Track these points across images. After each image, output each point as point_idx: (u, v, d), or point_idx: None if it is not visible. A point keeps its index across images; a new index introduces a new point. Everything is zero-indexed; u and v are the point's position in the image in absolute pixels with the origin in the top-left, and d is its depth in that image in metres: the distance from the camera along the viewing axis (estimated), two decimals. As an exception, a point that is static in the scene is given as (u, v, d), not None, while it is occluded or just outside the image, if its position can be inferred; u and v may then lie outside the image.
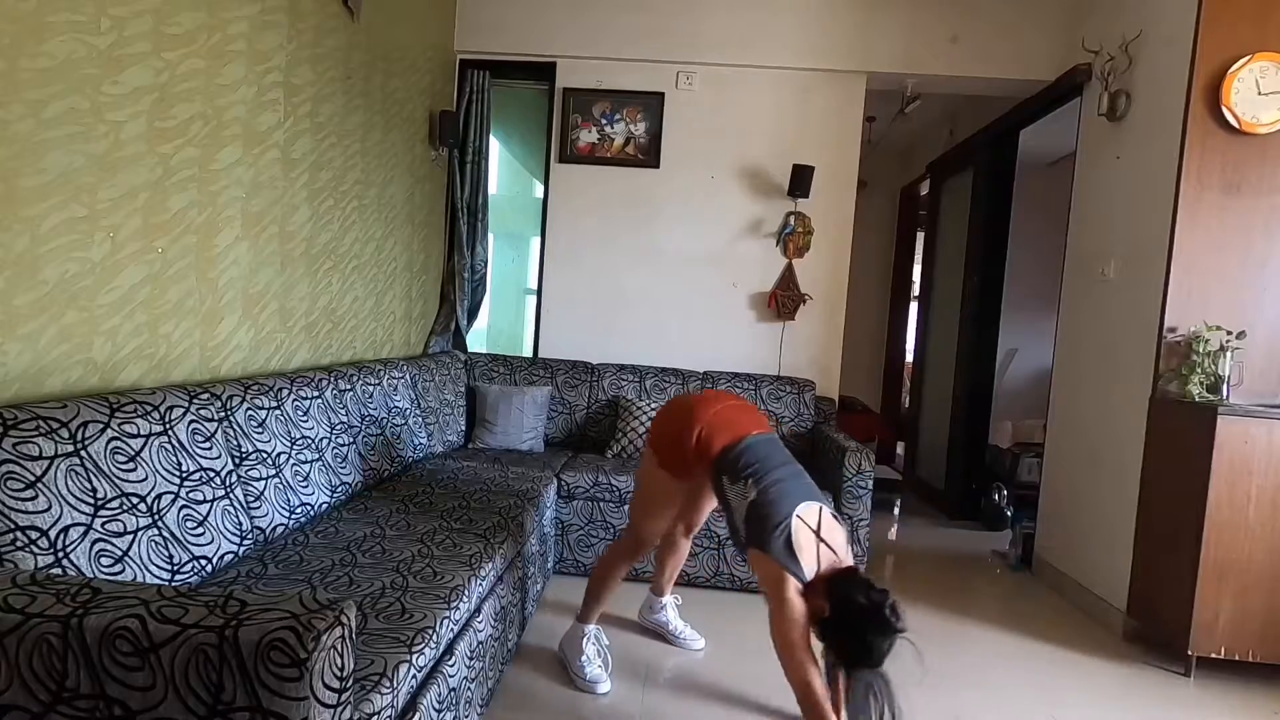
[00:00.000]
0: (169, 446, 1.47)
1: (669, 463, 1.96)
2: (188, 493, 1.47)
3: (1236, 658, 2.30)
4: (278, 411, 1.89)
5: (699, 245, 3.61)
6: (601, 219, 3.64)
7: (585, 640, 2.08)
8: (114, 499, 1.29)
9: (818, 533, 1.70)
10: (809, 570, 1.67)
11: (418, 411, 2.80)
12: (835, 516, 1.78)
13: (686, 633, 2.34)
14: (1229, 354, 2.40)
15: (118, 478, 1.32)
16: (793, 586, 1.66)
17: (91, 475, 1.27)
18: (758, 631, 2.48)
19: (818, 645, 1.71)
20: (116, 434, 1.35)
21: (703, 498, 2.19)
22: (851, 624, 1.59)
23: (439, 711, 1.35)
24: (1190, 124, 2.49)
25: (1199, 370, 2.43)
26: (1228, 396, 2.40)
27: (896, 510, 4.52)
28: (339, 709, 0.89)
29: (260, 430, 1.80)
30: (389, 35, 2.86)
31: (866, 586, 1.62)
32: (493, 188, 4.35)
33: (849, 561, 1.75)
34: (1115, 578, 2.70)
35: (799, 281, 3.56)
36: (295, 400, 1.99)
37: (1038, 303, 4.24)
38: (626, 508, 2.77)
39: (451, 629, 1.46)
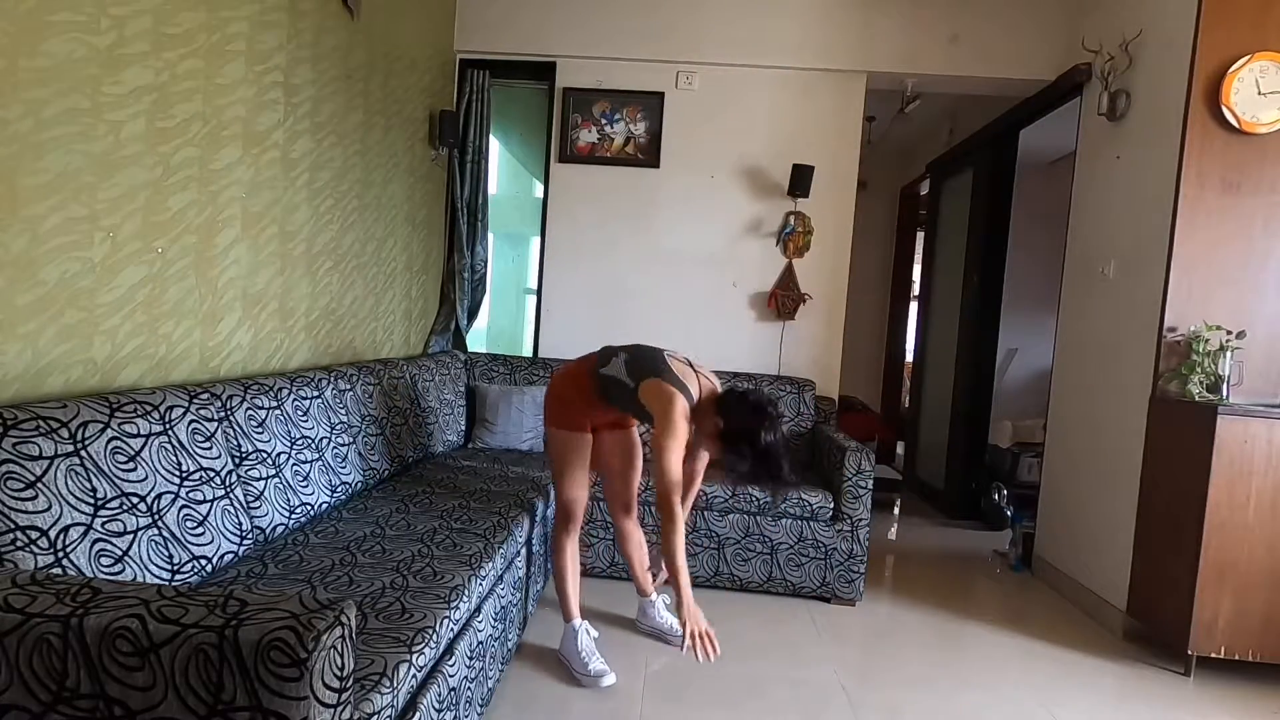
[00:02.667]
0: (169, 446, 1.47)
1: (562, 420, 2.14)
2: (188, 493, 1.47)
3: (1236, 657, 2.30)
4: (278, 411, 1.89)
5: (699, 245, 3.61)
6: (601, 219, 3.64)
7: (576, 638, 2.11)
8: (114, 499, 1.29)
9: (690, 365, 2.01)
10: (695, 393, 1.93)
11: (418, 411, 2.80)
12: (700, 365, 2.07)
13: (681, 630, 2.34)
14: (1229, 354, 2.40)
15: (118, 478, 1.32)
16: (680, 407, 1.87)
17: (91, 475, 1.27)
18: (757, 631, 2.49)
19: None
20: (116, 434, 1.35)
21: (617, 468, 2.29)
22: (744, 427, 1.85)
23: (439, 711, 1.35)
24: (1190, 124, 2.49)
25: (1199, 370, 2.43)
26: (1228, 396, 2.40)
27: (896, 510, 4.52)
28: (339, 709, 0.89)
29: (260, 430, 1.80)
30: (389, 35, 2.85)
31: (746, 394, 1.92)
32: (493, 187, 4.34)
33: (714, 384, 2.02)
34: (1115, 578, 2.70)
35: (799, 281, 3.56)
36: (295, 400, 1.99)
37: (1038, 303, 4.24)
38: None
39: (451, 629, 1.46)
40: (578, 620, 2.16)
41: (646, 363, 1.96)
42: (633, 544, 2.38)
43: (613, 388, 2.03)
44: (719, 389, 2.01)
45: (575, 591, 2.20)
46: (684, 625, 1.84)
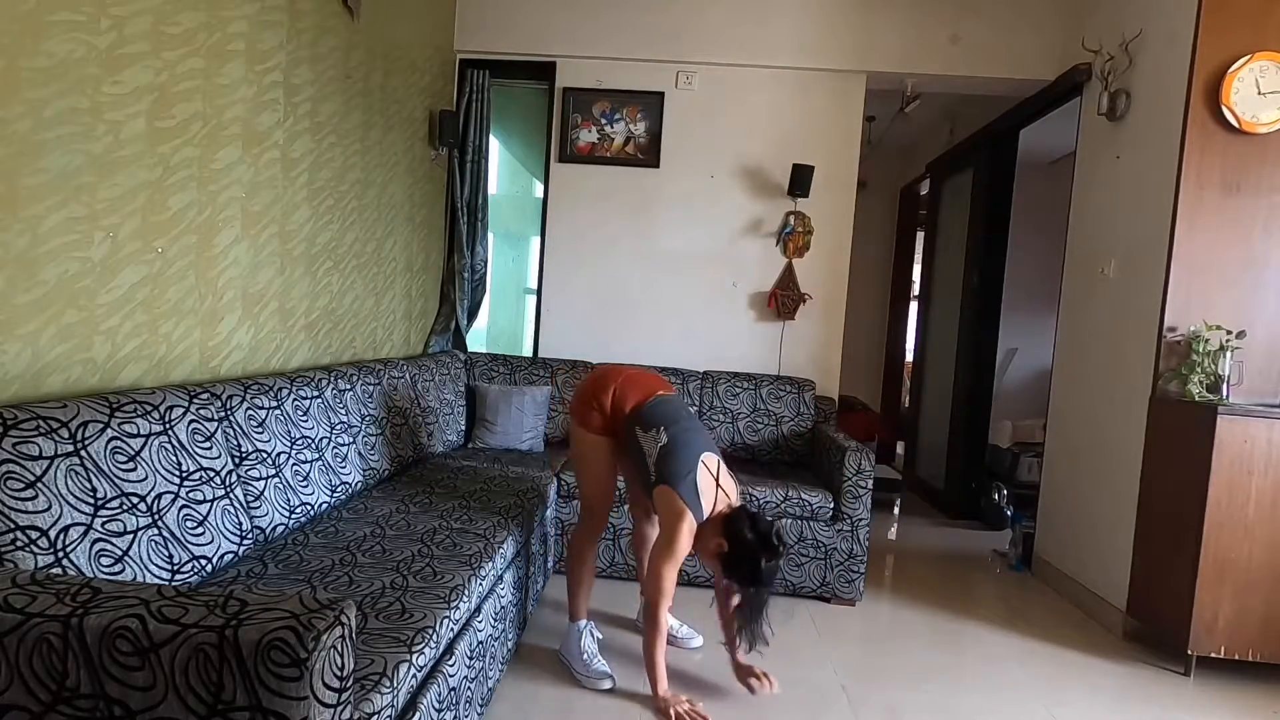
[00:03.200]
0: (169, 446, 1.47)
1: (587, 421, 2.11)
2: (188, 492, 1.47)
3: (1236, 657, 2.30)
4: (278, 411, 1.89)
5: (699, 245, 3.61)
6: (601, 219, 3.64)
7: (581, 638, 2.10)
8: (114, 499, 1.29)
9: (717, 479, 1.93)
10: (706, 511, 1.89)
11: (418, 411, 2.80)
12: (730, 470, 2.02)
13: (683, 631, 2.35)
14: (1229, 353, 2.40)
15: (118, 477, 1.32)
16: (688, 526, 1.86)
17: (91, 475, 1.26)
18: (758, 631, 2.48)
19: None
20: (116, 434, 1.35)
21: (641, 468, 2.23)
22: (746, 552, 1.82)
23: (439, 711, 1.35)
24: (1190, 123, 2.49)
25: (1199, 370, 2.43)
26: (1228, 396, 2.40)
27: (896, 510, 4.52)
28: (339, 709, 0.89)
29: (260, 430, 1.80)
30: (389, 35, 2.85)
31: (754, 518, 1.86)
32: (493, 187, 4.35)
33: (732, 501, 1.97)
34: (1115, 577, 2.70)
35: (799, 281, 3.56)
36: (295, 400, 1.99)
37: (1038, 303, 4.24)
38: (625, 507, 2.77)
39: (451, 629, 1.46)
40: (584, 621, 2.15)
41: (675, 465, 1.90)
42: (648, 547, 2.36)
43: (635, 450, 2.02)
44: (734, 503, 1.95)
45: (587, 593, 2.19)
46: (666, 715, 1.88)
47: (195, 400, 1.61)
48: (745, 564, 1.83)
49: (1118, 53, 2.89)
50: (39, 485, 1.17)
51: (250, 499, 1.69)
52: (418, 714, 1.24)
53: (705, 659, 2.26)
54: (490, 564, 1.77)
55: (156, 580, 1.33)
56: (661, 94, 3.57)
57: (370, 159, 2.77)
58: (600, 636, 2.21)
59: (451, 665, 1.43)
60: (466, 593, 1.56)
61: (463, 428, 3.20)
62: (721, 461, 1.99)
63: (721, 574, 1.91)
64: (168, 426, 1.49)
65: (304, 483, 1.91)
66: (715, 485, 1.92)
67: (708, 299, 3.61)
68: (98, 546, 1.23)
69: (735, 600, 1.95)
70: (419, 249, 3.38)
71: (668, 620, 1.89)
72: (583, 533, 2.21)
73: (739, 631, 1.94)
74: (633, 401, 2.06)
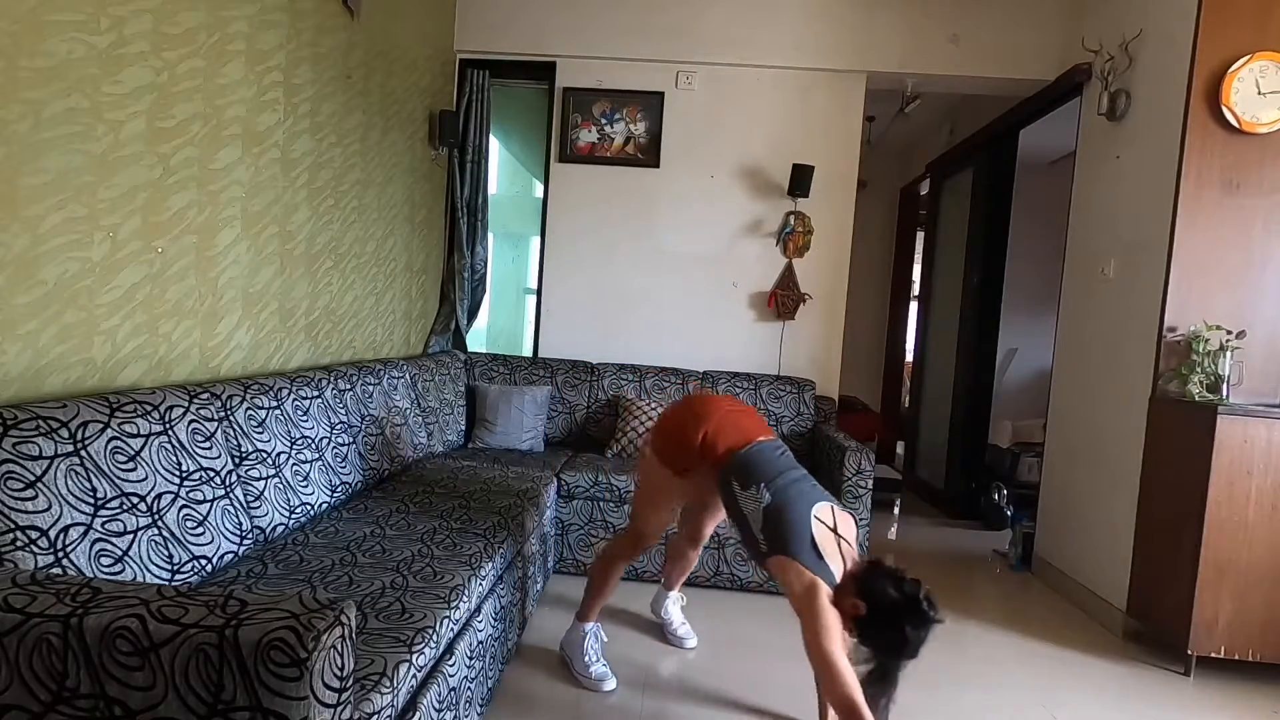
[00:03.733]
0: (169, 446, 1.47)
1: (670, 458, 1.94)
2: (188, 492, 1.47)
3: (1236, 657, 2.30)
4: (278, 411, 1.89)
5: (699, 245, 3.61)
6: (601, 219, 3.64)
7: (586, 639, 2.09)
8: (114, 499, 1.29)
9: (835, 531, 1.69)
10: (837, 573, 1.64)
11: (418, 411, 2.80)
12: (842, 508, 1.77)
13: (682, 630, 2.35)
14: (1229, 354, 2.40)
15: (118, 477, 1.32)
16: (825, 594, 1.60)
17: (91, 475, 1.26)
18: (757, 631, 2.49)
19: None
20: (116, 434, 1.35)
21: (708, 508, 2.17)
22: (890, 619, 1.56)
23: (439, 711, 1.35)
24: (1190, 123, 2.49)
25: (1199, 370, 2.43)
26: (1228, 396, 2.40)
27: (896, 510, 4.52)
28: (339, 709, 0.89)
29: (260, 430, 1.80)
30: (389, 35, 2.85)
31: (899, 579, 1.59)
32: (493, 187, 4.35)
33: (855, 550, 1.73)
34: (1115, 577, 2.70)
35: (799, 281, 3.55)
36: (295, 400, 1.99)
37: (1038, 303, 4.25)
38: (627, 507, 2.77)
39: (451, 628, 1.46)
40: (591, 624, 2.12)
41: (787, 529, 1.65)
42: (684, 561, 2.32)
43: (731, 507, 1.80)
44: (852, 549, 1.72)
45: (603, 602, 2.14)
46: None
47: (195, 400, 1.61)
48: (889, 631, 1.57)
49: (1118, 53, 2.89)
50: (39, 485, 1.17)
51: (250, 499, 1.69)
52: (418, 714, 1.24)
53: (706, 659, 2.26)
54: (490, 564, 1.77)
55: (156, 580, 1.33)
56: (661, 94, 3.57)
57: (370, 159, 2.77)
58: (605, 640, 2.19)
59: (451, 665, 1.43)
60: (466, 593, 1.56)
61: (463, 428, 3.20)
62: (834, 506, 1.74)
63: (856, 639, 1.63)
64: (168, 426, 1.49)
65: (304, 483, 1.91)
66: (836, 539, 1.68)
67: (708, 299, 3.61)
68: (98, 546, 1.23)
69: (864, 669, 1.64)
70: (419, 249, 3.38)
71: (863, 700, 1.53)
72: (623, 551, 2.09)
73: (873, 705, 1.56)
74: (725, 446, 1.84)
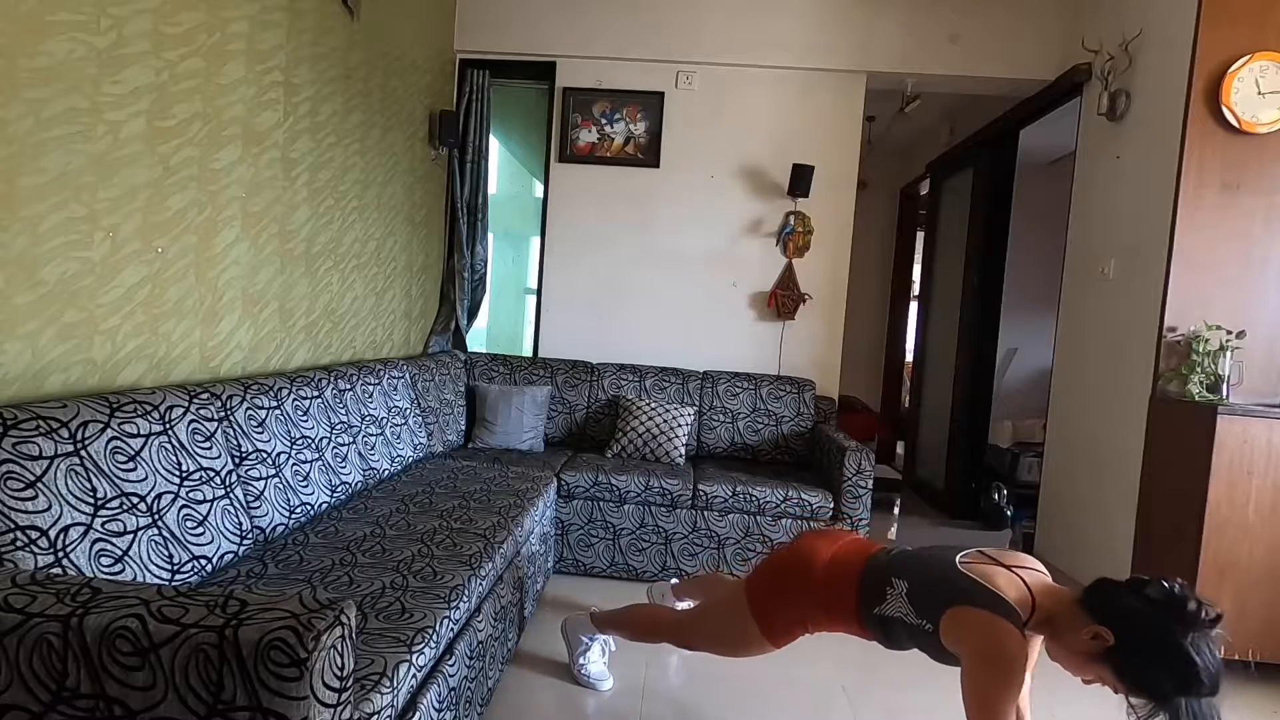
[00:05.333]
0: (169, 446, 1.47)
1: (775, 629, 1.61)
2: (188, 492, 1.47)
3: (1236, 657, 2.30)
4: (278, 411, 1.89)
5: (699, 245, 3.61)
6: (601, 219, 3.64)
7: (595, 642, 2.06)
8: (114, 499, 1.29)
9: (1000, 563, 1.35)
10: (1013, 599, 1.28)
11: (418, 411, 2.80)
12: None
13: None
14: (1229, 353, 2.40)
15: (118, 477, 1.32)
16: (1005, 632, 1.23)
17: (91, 475, 1.26)
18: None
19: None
20: (116, 434, 1.35)
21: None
22: (1154, 640, 1.15)
23: (439, 711, 1.35)
24: (1190, 123, 2.49)
25: (1199, 370, 2.43)
26: (1228, 396, 2.40)
27: (896, 510, 4.52)
28: (339, 709, 0.89)
29: (260, 430, 1.79)
30: (389, 35, 2.85)
31: (1138, 585, 1.21)
32: (493, 187, 4.34)
33: (1048, 578, 1.37)
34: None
35: (799, 281, 3.55)
36: (295, 400, 1.99)
37: (1038, 303, 4.24)
38: (628, 507, 2.77)
39: (451, 629, 1.46)
40: (606, 636, 2.07)
41: (940, 587, 1.35)
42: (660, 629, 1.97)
43: (898, 631, 1.44)
44: (1045, 576, 1.37)
45: (625, 636, 2.00)
46: None
47: (195, 400, 1.61)
48: (1161, 659, 1.14)
49: (1118, 53, 2.89)
50: (39, 485, 1.17)
51: (250, 499, 1.69)
52: (418, 714, 1.24)
53: (706, 659, 2.26)
54: (490, 564, 1.77)
55: (156, 580, 1.33)
56: (661, 94, 3.57)
57: (370, 159, 2.77)
58: (614, 649, 2.15)
59: (451, 665, 1.43)
60: (466, 593, 1.56)
61: (463, 428, 3.20)
62: (986, 550, 1.42)
63: (1121, 685, 1.20)
64: (168, 426, 1.49)
65: (304, 483, 1.91)
66: (999, 566, 1.35)
67: (708, 299, 3.61)
68: (98, 546, 1.23)
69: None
70: (419, 249, 3.38)
71: None
72: (669, 639, 1.86)
73: None
74: (852, 592, 1.50)
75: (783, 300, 3.53)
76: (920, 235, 5.58)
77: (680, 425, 3.16)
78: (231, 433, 1.69)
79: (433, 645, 1.34)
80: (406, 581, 1.54)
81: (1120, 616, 1.19)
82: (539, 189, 4.27)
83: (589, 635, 2.07)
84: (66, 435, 1.25)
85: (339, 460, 2.11)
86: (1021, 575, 1.32)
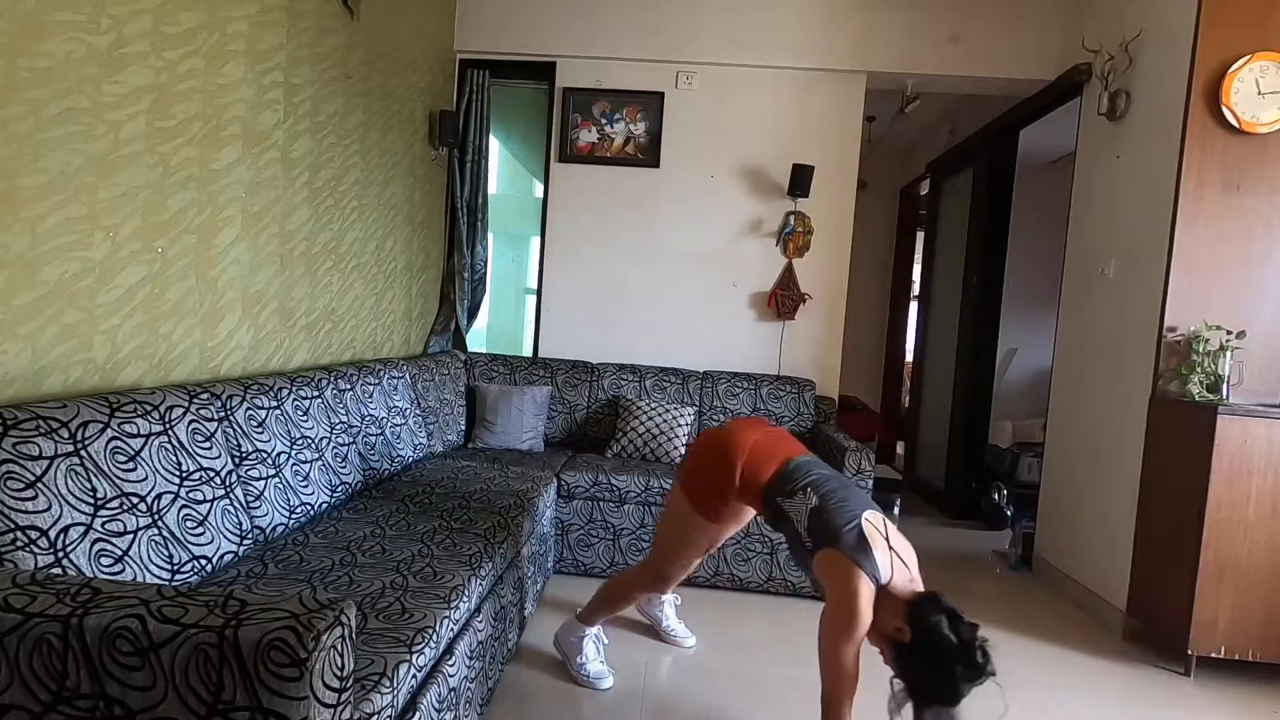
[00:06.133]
0: (169, 446, 1.47)
1: (705, 507, 1.88)
2: (188, 492, 1.47)
3: (1236, 657, 2.30)
4: (278, 411, 1.89)
5: (699, 245, 3.61)
6: (601, 218, 3.64)
7: (585, 640, 2.08)
8: (114, 499, 1.29)
9: (887, 539, 1.60)
10: (884, 572, 1.54)
11: (418, 411, 2.80)
12: (899, 532, 1.68)
13: (679, 630, 2.35)
14: (1229, 353, 2.40)
15: (118, 477, 1.32)
16: (865, 588, 1.51)
17: (91, 475, 1.26)
18: (757, 631, 2.49)
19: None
20: (116, 434, 1.35)
21: (730, 525, 2.04)
22: (937, 658, 1.45)
23: (439, 711, 1.35)
24: (1190, 123, 2.49)
25: (1199, 370, 2.43)
26: (1228, 396, 2.40)
27: (896, 510, 4.52)
28: (339, 709, 0.89)
29: (260, 430, 1.80)
30: (389, 35, 2.85)
31: (956, 618, 1.47)
32: (493, 187, 4.35)
33: (920, 582, 1.61)
34: (1115, 578, 2.70)
35: (799, 281, 3.56)
36: (295, 400, 1.99)
37: (1038, 303, 4.25)
38: (628, 507, 2.77)
39: (451, 629, 1.46)
40: (594, 629, 2.11)
41: (833, 522, 1.61)
42: (663, 586, 2.12)
43: (784, 524, 1.74)
44: (915, 582, 1.62)
45: (608, 617, 2.11)
46: None
47: (195, 400, 1.61)
48: (930, 670, 1.46)
49: (1118, 53, 2.89)
50: (39, 485, 1.17)
51: (250, 499, 1.69)
52: (418, 714, 1.24)
53: (705, 658, 2.26)
54: (490, 564, 1.77)
55: (156, 580, 1.33)
56: (661, 94, 3.57)
57: (370, 159, 2.77)
58: (607, 643, 2.17)
59: (451, 665, 1.43)
60: (466, 593, 1.56)
61: (463, 428, 3.20)
62: (888, 520, 1.68)
63: (894, 667, 1.55)
64: (168, 426, 1.49)
65: (304, 483, 1.91)
66: (886, 544, 1.60)
67: (708, 299, 3.61)
68: (98, 546, 1.23)
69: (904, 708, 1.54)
70: (419, 249, 3.38)
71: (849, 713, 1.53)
72: (645, 585, 2.05)
73: None
74: (767, 474, 1.79)
75: (783, 300, 3.53)
76: (920, 235, 5.58)
77: (680, 425, 3.16)
78: (231, 433, 1.69)
79: (433, 645, 1.34)
80: (406, 582, 1.54)
81: (926, 629, 1.46)
82: (539, 189, 4.27)
83: (579, 634, 2.09)
84: (66, 435, 1.25)
85: (339, 460, 2.11)
86: (892, 558, 1.58)
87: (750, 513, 1.97)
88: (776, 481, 1.76)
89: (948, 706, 1.46)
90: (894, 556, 1.58)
